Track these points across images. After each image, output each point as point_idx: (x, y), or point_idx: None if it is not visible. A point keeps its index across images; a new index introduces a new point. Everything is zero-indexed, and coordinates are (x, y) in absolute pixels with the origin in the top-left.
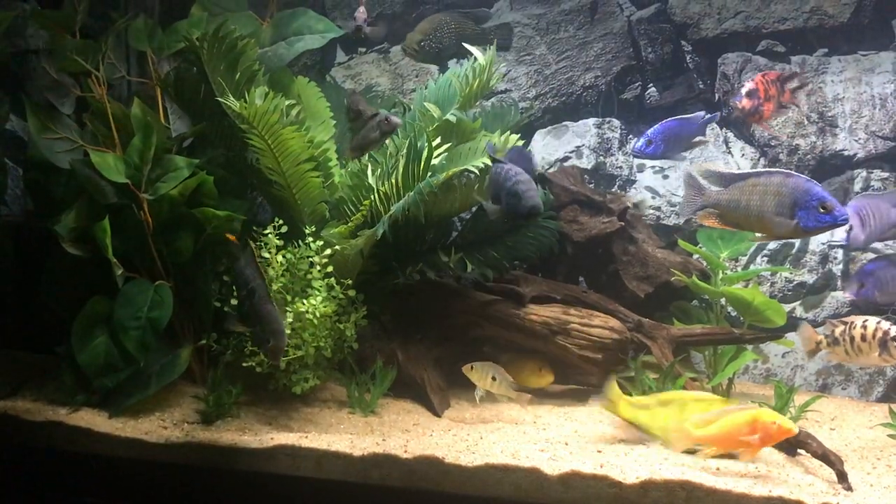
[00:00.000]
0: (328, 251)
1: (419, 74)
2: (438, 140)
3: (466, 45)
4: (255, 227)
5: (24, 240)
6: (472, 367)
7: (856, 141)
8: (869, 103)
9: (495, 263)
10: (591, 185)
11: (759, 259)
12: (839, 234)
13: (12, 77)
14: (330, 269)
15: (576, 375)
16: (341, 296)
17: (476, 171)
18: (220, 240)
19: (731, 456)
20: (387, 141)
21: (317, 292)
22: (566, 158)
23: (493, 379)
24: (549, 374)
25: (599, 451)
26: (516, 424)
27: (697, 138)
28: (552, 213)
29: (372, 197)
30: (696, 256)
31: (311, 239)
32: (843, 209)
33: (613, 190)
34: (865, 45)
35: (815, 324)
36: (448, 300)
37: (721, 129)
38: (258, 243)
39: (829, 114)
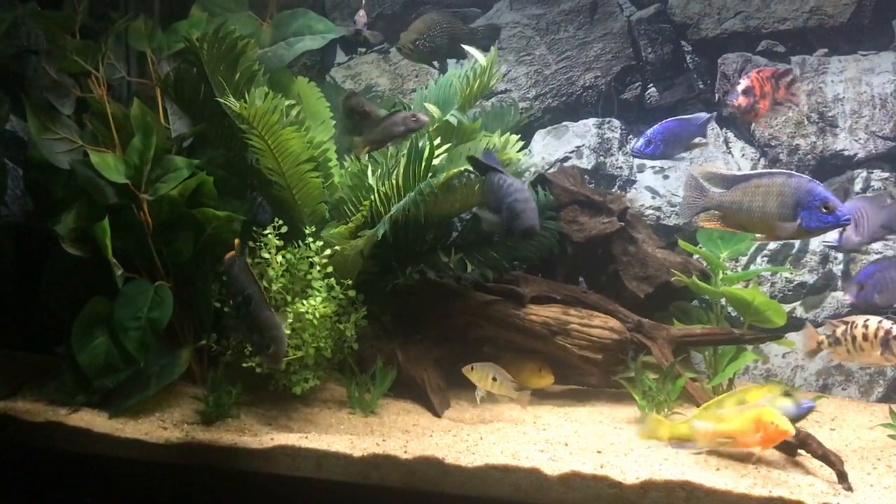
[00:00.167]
0: (328, 251)
1: (419, 75)
2: (438, 140)
3: (465, 47)
4: (254, 228)
5: (24, 240)
6: (472, 368)
7: (856, 141)
8: (869, 103)
9: (495, 264)
10: (591, 186)
11: (759, 259)
12: (832, 234)
13: (12, 77)
14: (330, 269)
15: (576, 376)
16: (341, 296)
17: (476, 172)
18: (221, 240)
19: (730, 456)
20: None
21: (317, 293)
22: (566, 159)
23: (494, 379)
24: (549, 374)
25: (599, 452)
26: (516, 425)
27: (697, 139)
28: (552, 214)
29: (372, 197)
30: (696, 257)
31: (311, 239)
32: (845, 209)
33: (613, 190)
34: (865, 46)
35: (816, 324)
36: (448, 300)
37: (721, 129)
38: (258, 244)
39: (830, 114)
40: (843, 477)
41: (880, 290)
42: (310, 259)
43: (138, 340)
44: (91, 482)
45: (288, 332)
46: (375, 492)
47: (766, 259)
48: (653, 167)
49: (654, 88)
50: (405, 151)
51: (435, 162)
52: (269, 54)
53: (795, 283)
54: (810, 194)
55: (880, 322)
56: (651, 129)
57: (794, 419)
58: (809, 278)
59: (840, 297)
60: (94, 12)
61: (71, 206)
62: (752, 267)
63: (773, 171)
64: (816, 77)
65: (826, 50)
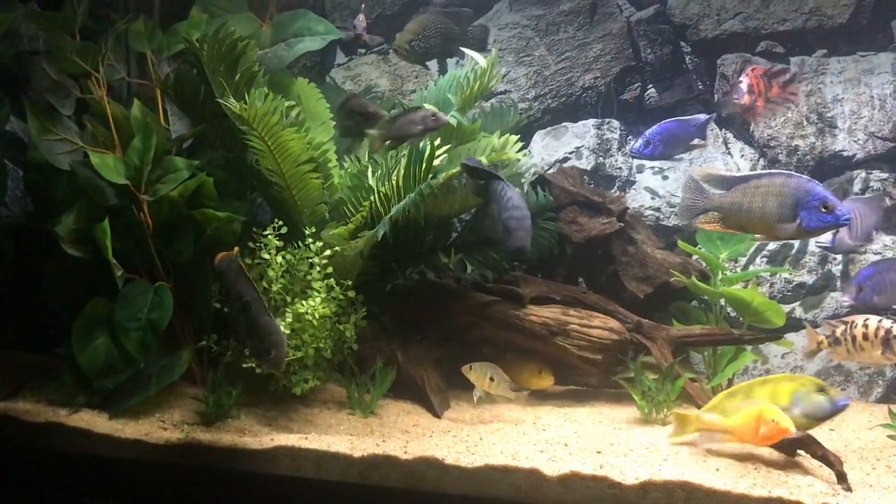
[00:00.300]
0: (328, 252)
1: (419, 75)
2: (438, 141)
3: (465, 50)
4: (254, 228)
5: (24, 241)
6: (470, 368)
7: (855, 142)
8: (868, 104)
9: (495, 264)
10: (590, 186)
11: (758, 260)
12: (825, 236)
13: (13, 78)
14: (330, 270)
15: (575, 376)
16: (341, 297)
17: (474, 178)
18: (221, 241)
19: (730, 456)
20: None
21: (316, 293)
22: (565, 159)
23: (492, 379)
24: (549, 375)
25: (599, 452)
26: (516, 425)
27: (696, 140)
28: (552, 215)
29: (372, 198)
30: (695, 257)
31: (310, 240)
32: (844, 209)
33: (613, 191)
34: (864, 46)
35: (815, 325)
36: (448, 301)
37: (720, 129)
38: (258, 244)
39: (829, 114)
40: (842, 477)
41: (879, 291)
42: (310, 260)
43: (138, 341)
44: (91, 483)
45: (287, 332)
46: (375, 492)
47: (765, 260)
48: (652, 168)
49: (653, 89)
50: (405, 152)
51: (435, 163)
52: (269, 55)
53: (794, 283)
54: (810, 194)
55: (880, 321)
56: (650, 129)
57: (827, 417)
58: (808, 279)
59: (839, 298)
60: (94, 13)
61: (71, 206)
62: (751, 267)
63: (773, 171)
64: (815, 78)
65: (825, 51)
